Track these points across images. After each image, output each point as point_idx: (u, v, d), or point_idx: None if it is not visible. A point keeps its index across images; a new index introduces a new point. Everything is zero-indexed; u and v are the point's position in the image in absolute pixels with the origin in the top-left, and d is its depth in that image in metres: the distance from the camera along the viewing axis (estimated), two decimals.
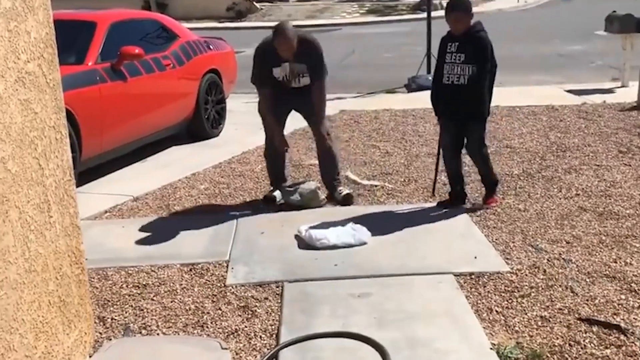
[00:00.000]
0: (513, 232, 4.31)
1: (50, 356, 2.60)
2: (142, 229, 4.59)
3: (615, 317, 3.22)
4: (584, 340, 3.03)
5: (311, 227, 4.28)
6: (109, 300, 3.59)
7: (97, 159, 5.67)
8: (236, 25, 24.34)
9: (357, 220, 4.48)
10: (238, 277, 3.80)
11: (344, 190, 5.03)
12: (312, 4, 30.13)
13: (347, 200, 4.96)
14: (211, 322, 3.32)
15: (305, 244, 4.17)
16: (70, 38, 5.53)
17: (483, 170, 4.80)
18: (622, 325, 3.13)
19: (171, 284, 3.74)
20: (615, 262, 3.81)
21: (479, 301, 3.43)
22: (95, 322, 3.25)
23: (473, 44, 4.44)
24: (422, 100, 7.26)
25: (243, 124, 7.47)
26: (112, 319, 3.39)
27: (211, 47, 7.54)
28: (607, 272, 3.69)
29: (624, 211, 4.60)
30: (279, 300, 3.51)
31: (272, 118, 4.94)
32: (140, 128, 6.23)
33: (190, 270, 3.92)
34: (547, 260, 3.88)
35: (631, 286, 3.52)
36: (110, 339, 3.19)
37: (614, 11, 9.57)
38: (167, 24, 7.21)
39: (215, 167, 6.05)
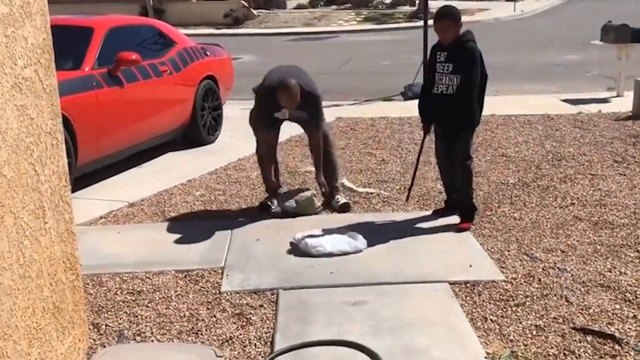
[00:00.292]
0: (508, 240, 4.32)
1: None
2: (137, 235, 4.58)
3: (609, 326, 3.22)
4: (578, 350, 3.03)
5: (307, 235, 4.28)
6: (103, 307, 3.57)
7: (92, 165, 5.66)
8: (233, 31, 24.39)
9: (353, 227, 4.49)
10: (233, 284, 3.79)
11: (342, 199, 5.03)
12: (309, 11, 30.24)
13: (344, 209, 4.96)
14: (206, 329, 3.31)
15: (300, 251, 4.16)
16: (67, 43, 5.53)
17: (461, 187, 4.57)
18: (617, 335, 3.13)
19: (166, 291, 3.74)
20: (610, 272, 3.82)
21: (474, 310, 3.43)
22: (89, 329, 3.24)
23: (461, 54, 4.35)
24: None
25: (239, 131, 7.45)
26: (106, 325, 3.38)
27: (208, 53, 7.55)
28: (602, 281, 3.70)
29: (618, 220, 4.61)
30: (274, 308, 3.50)
31: (267, 158, 5.01)
32: (137, 134, 6.23)
33: (185, 276, 3.91)
34: (542, 269, 3.88)
35: (626, 296, 3.52)
36: (105, 346, 3.17)
37: (610, 21, 9.63)
38: (164, 30, 7.22)
39: (211, 173, 6.05)
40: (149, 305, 3.58)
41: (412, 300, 3.54)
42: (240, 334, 3.26)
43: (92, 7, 21.21)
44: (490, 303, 3.49)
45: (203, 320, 3.40)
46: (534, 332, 3.20)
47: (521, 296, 3.56)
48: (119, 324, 3.40)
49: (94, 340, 3.23)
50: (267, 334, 3.25)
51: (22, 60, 2.48)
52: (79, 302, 2.94)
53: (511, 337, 3.16)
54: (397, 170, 5.99)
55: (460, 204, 4.63)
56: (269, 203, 5.04)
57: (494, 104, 8.58)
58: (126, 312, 3.51)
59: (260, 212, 4.97)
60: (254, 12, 27.61)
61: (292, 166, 6.15)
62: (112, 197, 5.39)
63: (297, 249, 4.19)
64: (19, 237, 2.42)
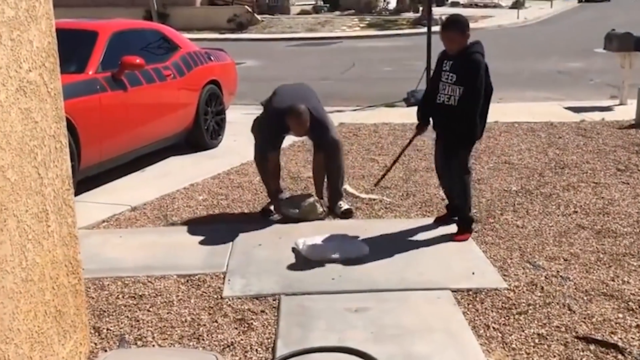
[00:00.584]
0: (511, 248, 4.31)
1: None
2: (140, 239, 4.58)
3: (612, 335, 3.21)
4: (581, 359, 3.02)
5: (309, 240, 4.27)
6: (104, 311, 3.57)
7: (95, 168, 5.67)
8: (237, 36, 24.46)
9: (355, 233, 4.48)
10: (235, 289, 3.79)
11: (344, 205, 5.02)
12: (312, 16, 30.31)
13: (346, 216, 4.95)
14: (207, 335, 3.30)
15: (302, 257, 4.16)
16: (72, 47, 5.53)
17: (458, 200, 4.52)
18: (620, 344, 3.12)
19: (167, 295, 3.73)
20: (613, 281, 3.81)
21: (476, 317, 3.42)
22: (90, 333, 3.24)
23: (466, 66, 4.24)
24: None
25: (242, 136, 7.44)
26: (107, 329, 3.37)
27: (212, 58, 7.56)
28: (605, 290, 3.69)
29: (621, 229, 4.60)
30: (276, 314, 3.50)
31: (268, 167, 5.02)
32: (140, 138, 6.23)
33: (187, 281, 3.90)
34: (545, 277, 3.87)
35: (629, 305, 3.51)
36: (106, 350, 3.17)
37: (613, 29, 9.63)
38: (168, 34, 7.23)
39: (213, 178, 6.05)
40: (151, 309, 3.57)
41: (414, 308, 3.53)
42: (242, 340, 3.25)
43: (96, 11, 21.28)
44: (492, 311, 3.48)
45: (204, 325, 3.40)
46: (537, 341, 3.19)
47: (524, 304, 3.55)
48: (120, 328, 3.39)
49: (95, 344, 3.22)
50: (269, 340, 3.25)
51: (27, 64, 2.48)
52: (80, 306, 2.94)
53: (513, 346, 3.15)
54: (399, 177, 5.98)
55: (457, 215, 4.57)
56: (271, 208, 5.03)
57: (497, 111, 8.58)
58: (127, 317, 3.50)
59: (263, 217, 4.97)
60: (258, 17, 27.69)
61: (294, 171, 6.15)
62: (115, 201, 5.39)
63: (299, 255, 4.19)
64: (21, 240, 2.42)
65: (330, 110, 8.05)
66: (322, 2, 33.54)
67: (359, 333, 3.25)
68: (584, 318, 3.39)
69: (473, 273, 3.92)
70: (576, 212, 4.98)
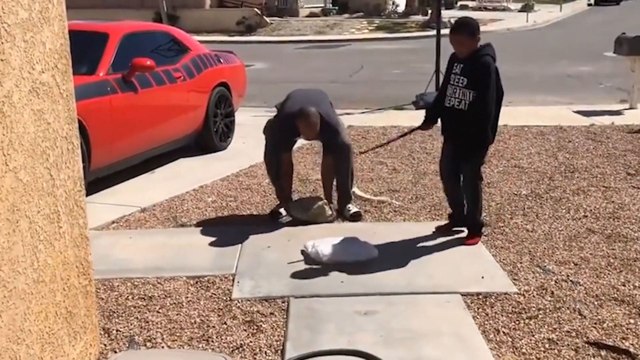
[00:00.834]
0: (521, 252, 4.29)
1: None
2: (149, 240, 4.59)
3: (624, 341, 3.19)
4: None
5: (317, 243, 4.27)
6: (114, 312, 3.58)
7: (106, 170, 5.69)
8: (246, 39, 24.52)
9: (364, 236, 4.47)
10: (244, 291, 3.79)
11: (353, 208, 5.02)
12: (321, 19, 30.34)
13: (355, 218, 4.94)
14: (216, 337, 3.31)
15: (311, 259, 4.15)
16: (83, 48, 5.56)
17: (470, 207, 4.47)
18: (632, 350, 3.10)
19: (177, 297, 3.74)
20: (624, 286, 3.78)
21: (486, 322, 3.41)
22: (100, 334, 3.24)
23: (476, 69, 4.17)
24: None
25: (251, 138, 7.48)
26: (117, 330, 3.38)
27: (221, 60, 7.58)
28: (616, 295, 3.67)
29: (632, 234, 4.57)
30: (285, 316, 3.49)
31: (280, 185, 5.05)
32: (150, 139, 6.25)
33: (197, 283, 3.91)
34: (555, 281, 3.86)
35: None
36: (115, 351, 3.17)
37: (624, 33, 9.59)
38: (178, 36, 7.26)
39: (223, 180, 6.06)
40: (160, 311, 3.58)
41: (423, 311, 3.52)
42: (251, 342, 3.25)
43: (107, 13, 21.38)
44: (502, 315, 3.47)
45: (214, 327, 3.40)
46: (547, 346, 3.17)
47: (534, 309, 3.53)
48: (130, 329, 3.40)
49: (105, 345, 3.23)
50: (278, 342, 3.24)
51: (39, 65, 2.50)
52: (91, 307, 2.95)
53: (524, 350, 3.14)
54: (408, 180, 5.97)
55: (468, 220, 4.52)
56: (280, 211, 5.03)
57: (507, 115, 8.51)
58: (137, 318, 3.51)
59: (272, 220, 4.97)
60: (267, 19, 27.75)
61: (303, 174, 6.15)
62: (125, 202, 5.41)
63: (308, 257, 4.18)
64: (33, 241, 2.43)
65: (339, 113, 8.01)
66: (331, 5, 33.59)
67: (368, 336, 3.25)
68: (595, 323, 3.37)
69: (483, 277, 3.90)
70: (586, 216, 4.96)
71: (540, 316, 3.45)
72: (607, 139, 7.43)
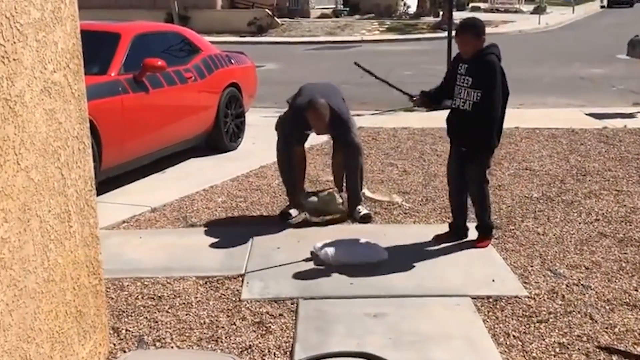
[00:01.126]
0: (532, 256, 4.27)
1: None
2: (159, 240, 4.60)
3: (635, 346, 3.16)
4: None
5: (327, 244, 4.26)
6: (124, 311, 3.58)
7: (116, 169, 5.71)
8: (257, 39, 24.55)
9: (374, 238, 4.46)
10: (253, 292, 3.79)
11: (363, 210, 5.00)
12: (332, 20, 30.34)
13: (365, 220, 4.93)
14: (225, 337, 3.30)
15: (320, 261, 4.15)
16: (94, 49, 5.57)
17: (478, 210, 4.42)
18: None
19: (186, 297, 3.74)
20: (636, 290, 3.75)
21: (496, 325, 3.39)
22: (109, 333, 3.25)
23: (481, 68, 4.14)
24: (441, 119, 7.21)
25: (261, 138, 7.49)
26: (126, 330, 3.39)
27: (232, 61, 7.59)
28: (627, 300, 3.64)
29: None
30: (294, 317, 3.49)
31: (292, 177, 5.04)
32: (160, 139, 6.27)
33: (206, 283, 3.91)
34: (566, 285, 3.83)
35: None
36: (125, 351, 3.18)
37: (637, 35, 9.53)
38: (189, 37, 7.27)
39: (233, 180, 6.07)
40: (170, 311, 3.58)
41: (433, 314, 3.50)
42: (260, 343, 3.25)
43: (119, 14, 21.48)
44: (512, 319, 3.45)
45: (223, 327, 3.40)
46: (557, 350, 3.15)
47: (544, 312, 3.51)
48: (139, 329, 3.40)
49: (114, 344, 3.24)
50: (287, 344, 3.24)
51: (51, 65, 2.51)
52: (100, 307, 2.96)
53: (534, 354, 3.12)
54: (418, 182, 5.95)
55: (478, 220, 4.46)
56: (290, 212, 5.03)
57: (518, 117, 8.52)
58: (146, 318, 3.51)
59: (281, 221, 4.97)
60: (278, 20, 27.78)
61: (313, 175, 6.14)
62: (135, 202, 5.42)
63: (317, 259, 4.17)
64: (44, 240, 2.44)
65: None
66: (342, 6, 33.58)
67: (378, 338, 3.24)
68: (606, 328, 3.34)
69: (493, 280, 3.88)
70: (598, 220, 4.92)
71: (550, 320, 3.43)
72: (619, 142, 7.38)
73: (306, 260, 4.19)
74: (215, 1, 29.15)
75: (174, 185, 5.96)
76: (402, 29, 27.38)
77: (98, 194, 3.02)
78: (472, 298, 3.66)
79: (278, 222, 4.94)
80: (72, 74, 2.67)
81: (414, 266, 4.10)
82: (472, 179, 4.35)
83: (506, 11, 37.02)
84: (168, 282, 3.92)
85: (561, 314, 3.49)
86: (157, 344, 3.27)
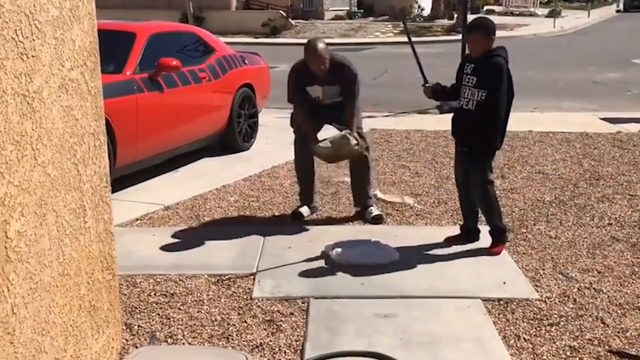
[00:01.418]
0: (543, 259, 4.26)
1: None
2: (172, 238, 4.64)
3: None
4: None
5: (338, 244, 4.28)
6: (136, 308, 3.62)
7: (130, 167, 5.75)
8: (271, 41, 24.60)
9: (385, 239, 4.47)
10: (264, 290, 3.81)
11: (375, 210, 5.01)
12: (346, 22, 30.34)
13: (377, 221, 4.94)
14: (236, 335, 3.33)
15: (332, 261, 4.16)
16: (110, 47, 5.62)
17: (485, 214, 4.37)
18: None
19: (198, 294, 3.77)
20: None
21: (506, 327, 3.39)
22: (122, 329, 3.28)
23: (486, 69, 4.11)
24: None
25: (274, 139, 7.52)
26: (138, 326, 3.42)
27: (246, 61, 7.62)
28: None
29: None
30: (305, 316, 3.50)
31: (307, 125, 4.92)
32: (174, 138, 6.31)
33: (218, 281, 3.94)
34: (578, 289, 3.82)
35: None
36: (137, 347, 3.21)
37: None
38: (204, 37, 7.31)
39: (245, 180, 6.10)
40: (181, 308, 3.61)
41: (443, 315, 3.51)
42: (271, 341, 3.27)
43: (135, 13, 21.62)
44: (523, 321, 3.44)
45: (234, 325, 3.42)
46: (568, 353, 3.14)
47: (555, 316, 3.50)
48: (151, 325, 3.43)
49: (127, 340, 3.27)
50: (297, 342, 3.25)
51: (69, 62, 2.54)
52: (114, 302, 2.99)
53: (544, 357, 3.11)
54: (431, 184, 5.95)
55: (490, 228, 4.40)
56: (302, 211, 5.05)
57: (532, 120, 8.50)
58: (159, 314, 3.54)
59: (293, 220, 4.99)
60: (292, 22, 27.82)
61: (325, 176, 6.15)
62: (149, 200, 5.47)
63: (329, 259, 4.19)
64: (59, 235, 2.47)
65: (362, 115, 8.04)
66: (356, 8, 33.57)
67: (388, 339, 3.24)
68: (618, 332, 3.33)
69: (504, 283, 3.88)
70: (611, 224, 4.90)
71: (561, 323, 3.42)
72: (633, 146, 7.33)
73: (317, 259, 4.21)
74: (230, 2, 29.25)
75: (187, 184, 6.00)
76: (416, 31, 27.30)
77: (112, 192, 3.06)
78: (483, 300, 3.66)
79: (290, 222, 4.96)
80: (89, 72, 2.70)
81: (425, 267, 4.11)
82: (475, 181, 4.30)
83: (521, 14, 36.84)
84: (180, 280, 3.95)
85: (572, 318, 3.48)
86: (169, 340, 3.29)
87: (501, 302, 3.64)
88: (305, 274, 4.01)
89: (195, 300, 3.69)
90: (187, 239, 4.61)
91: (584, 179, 6.09)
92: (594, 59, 17.00)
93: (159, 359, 3.08)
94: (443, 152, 7.13)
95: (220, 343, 3.26)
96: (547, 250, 4.40)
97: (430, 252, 4.34)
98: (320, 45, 4.72)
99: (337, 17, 31.69)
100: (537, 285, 3.86)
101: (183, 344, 3.26)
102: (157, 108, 5.93)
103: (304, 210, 5.07)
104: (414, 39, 5.14)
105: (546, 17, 34.90)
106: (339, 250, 4.19)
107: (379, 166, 6.53)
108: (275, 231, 4.73)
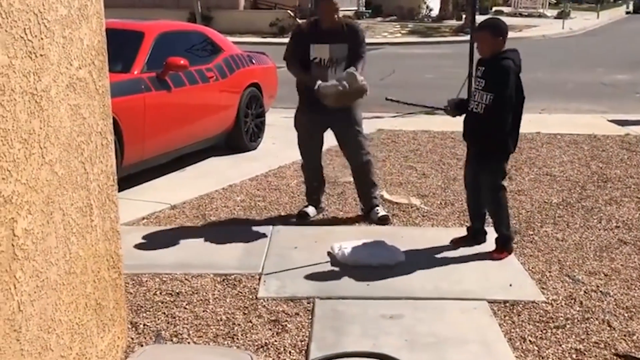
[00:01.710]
0: (550, 261, 4.24)
1: (84, 358, 2.63)
2: (178, 237, 4.64)
3: None
4: None
5: (344, 245, 4.28)
6: (142, 306, 3.62)
7: (137, 166, 5.77)
8: (279, 40, 24.58)
9: (391, 240, 4.46)
10: (270, 290, 3.81)
11: (381, 211, 5.01)
12: None
13: (383, 222, 4.93)
14: (241, 334, 3.33)
15: (337, 261, 4.16)
16: (118, 46, 5.63)
17: (493, 219, 4.30)
18: None
19: (204, 294, 3.77)
20: None
21: (512, 330, 3.38)
22: (127, 327, 3.29)
23: (495, 72, 4.05)
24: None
25: (281, 139, 7.52)
26: (144, 325, 3.43)
27: (254, 61, 7.63)
28: None
29: None
30: (310, 317, 3.50)
31: (303, 75, 4.80)
32: (181, 138, 6.32)
33: (223, 280, 3.94)
34: (584, 292, 3.80)
35: None
36: (142, 345, 3.21)
37: None
38: (212, 36, 7.33)
39: (251, 179, 6.10)
40: (187, 307, 3.62)
41: (449, 317, 3.50)
42: (276, 341, 3.27)
43: (143, 12, 21.66)
44: (529, 324, 3.43)
45: (239, 325, 3.42)
46: (574, 356, 3.13)
47: (562, 318, 3.49)
48: (157, 324, 3.44)
49: (132, 339, 3.28)
50: (302, 342, 3.25)
51: (77, 61, 2.55)
52: (120, 300, 2.99)
53: None
54: (437, 185, 5.94)
55: (497, 236, 4.32)
56: (308, 211, 5.05)
57: (540, 122, 8.47)
58: (164, 313, 3.55)
59: (299, 220, 4.99)
60: (300, 21, 27.80)
61: (331, 176, 6.15)
62: (155, 199, 5.48)
63: (334, 259, 4.19)
64: (66, 233, 2.48)
65: (369, 116, 8.04)
66: (364, 8, 33.54)
67: (393, 340, 3.24)
68: (624, 335, 3.31)
69: (510, 285, 3.87)
70: (618, 227, 4.88)
71: (568, 326, 3.41)
72: None
73: (323, 260, 4.21)
74: (237, 2, 29.27)
75: (193, 183, 6.01)
76: (424, 32, 27.29)
77: (119, 191, 3.07)
78: (489, 302, 3.65)
79: (296, 222, 4.96)
80: (97, 71, 2.71)
81: (431, 269, 4.10)
82: (485, 186, 4.24)
83: (529, 16, 36.72)
84: (186, 279, 3.96)
85: (579, 320, 3.47)
86: (174, 339, 3.30)
87: (507, 304, 3.63)
88: (310, 274, 4.01)
89: (201, 300, 3.70)
90: (193, 239, 4.62)
91: (592, 181, 6.06)
92: (602, 61, 16.93)
93: (164, 357, 3.09)
94: (450, 153, 7.12)
95: (226, 342, 3.26)
96: (553, 253, 4.38)
97: (436, 254, 4.33)
98: None
99: (345, 17, 31.64)
100: (543, 288, 3.85)
101: (188, 343, 3.27)
102: (164, 107, 5.94)
103: (310, 210, 5.07)
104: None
105: (555, 18, 34.77)
106: (345, 250, 4.19)
107: (385, 167, 6.53)
108: (281, 231, 4.73)
